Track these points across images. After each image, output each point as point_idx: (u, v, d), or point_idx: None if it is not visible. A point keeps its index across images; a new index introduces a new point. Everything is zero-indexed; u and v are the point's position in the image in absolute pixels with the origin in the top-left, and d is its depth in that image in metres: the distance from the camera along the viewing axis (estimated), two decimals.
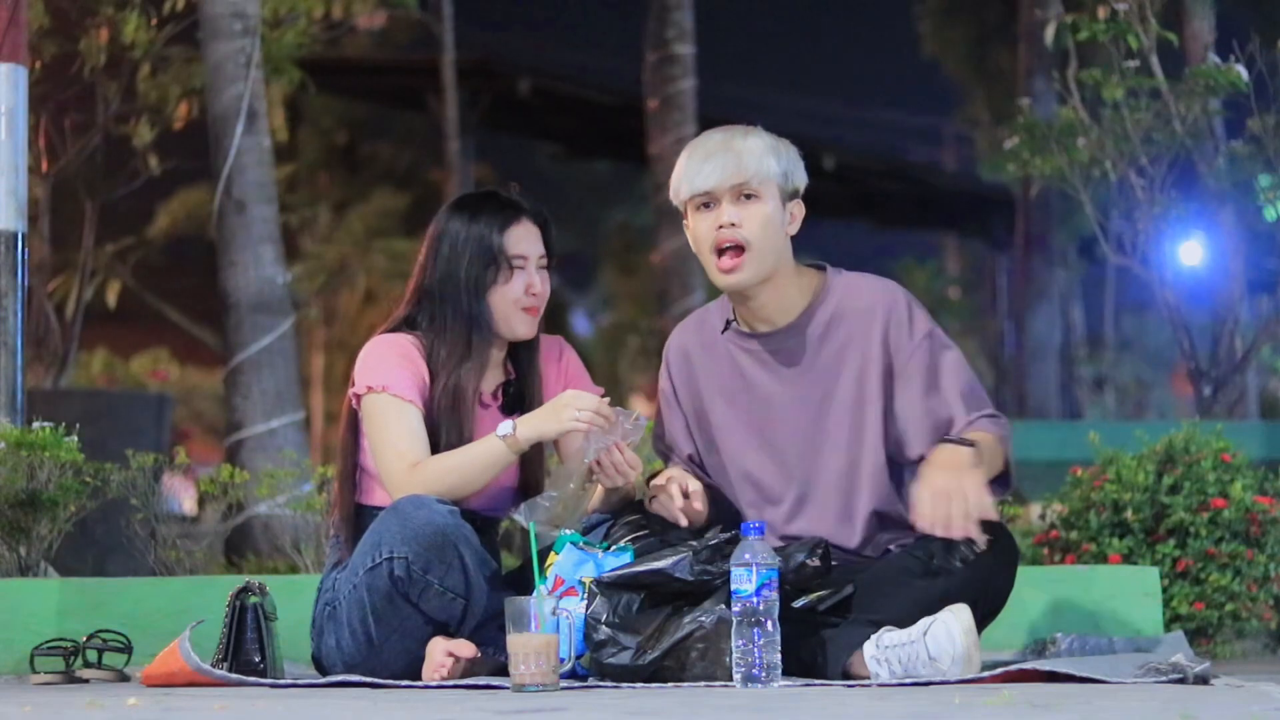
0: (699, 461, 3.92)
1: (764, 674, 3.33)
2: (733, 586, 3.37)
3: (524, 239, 3.89)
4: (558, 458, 3.99)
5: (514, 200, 3.91)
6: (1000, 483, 3.72)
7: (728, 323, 3.87)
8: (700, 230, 3.76)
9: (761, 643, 3.33)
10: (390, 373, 3.81)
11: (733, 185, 3.72)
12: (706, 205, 3.75)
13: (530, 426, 3.73)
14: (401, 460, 3.75)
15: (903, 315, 3.77)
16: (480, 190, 4.03)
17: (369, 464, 3.88)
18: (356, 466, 3.90)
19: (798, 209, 3.80)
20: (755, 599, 3.33)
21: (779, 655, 3.35)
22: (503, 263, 3.84)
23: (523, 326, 3.89)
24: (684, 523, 3.66)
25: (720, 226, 3.72)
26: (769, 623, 3.34)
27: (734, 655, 3.35)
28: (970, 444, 3.58)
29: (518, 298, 3.87)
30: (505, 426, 3.74)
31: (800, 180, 3.80)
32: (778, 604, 3.36)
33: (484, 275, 3.85)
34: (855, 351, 3.78)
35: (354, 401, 3.86)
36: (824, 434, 3.79)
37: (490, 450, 3.75)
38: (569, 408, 3.70)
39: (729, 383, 3.85)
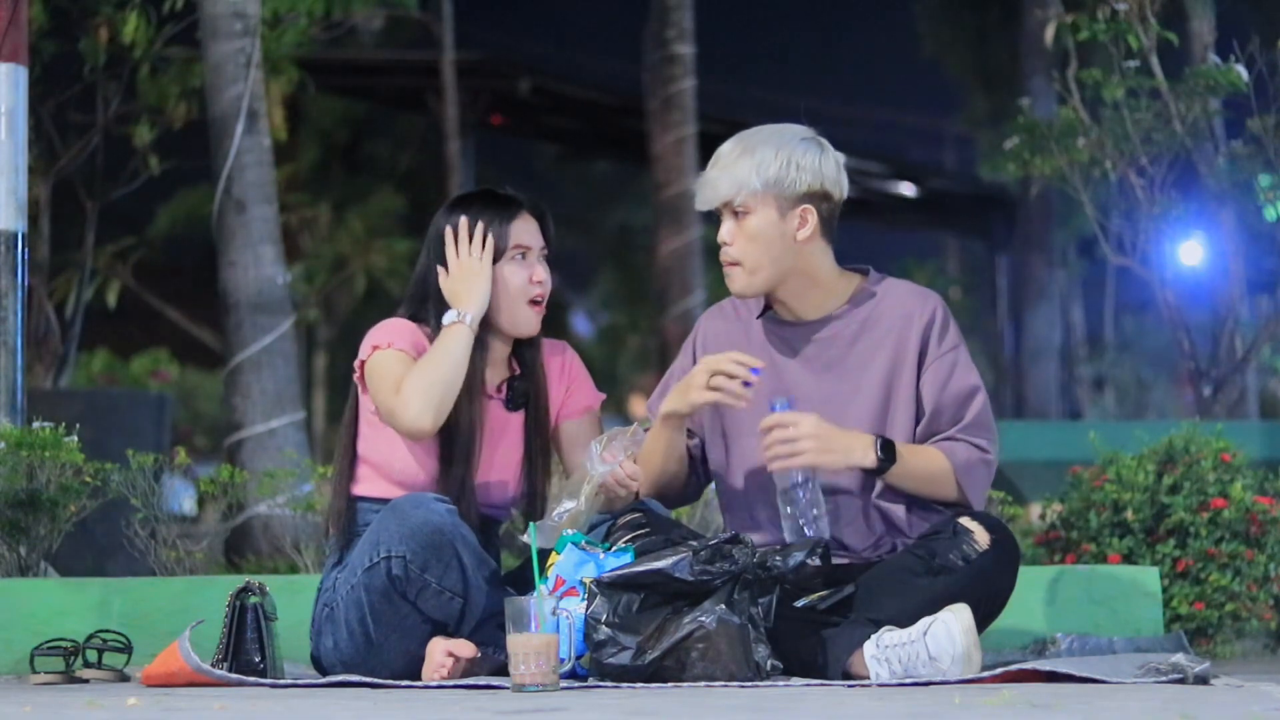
0: (701, 445, 3.92)
1: (814, 527, 3.64)
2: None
3: (525, 230, 3.92)
4: (564, 471, 4.00)
5: (511, 194, 3.95)
6: (944, 503, 3.78)
7: (766, 306, 3.88)
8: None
9: (805, 502, 3.65)
10: (397, 337, 3.85)
11: (719, 205, 3.80)
12: (721, 218, 3.83)
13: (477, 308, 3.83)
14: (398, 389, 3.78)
15: (939, 326, 3.81)
16: (476, 189, 4.05)
17: (366, 452, 3.88)
18: (355, 454, 3.91)
19: (809, 213, 3.77)
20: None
21: (824, 506, 3.65)
22: (505, 249, 3.87)
23: (527, 319, 3.92)
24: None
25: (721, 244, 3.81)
26: (812, 484, 3.64)
27: (784, 521, 3.66)
28: (892, 458, 3.70)
29: (523, 288, 3.89)
30: (450, 315, 3.81)
31: (807, 184, 3.75)
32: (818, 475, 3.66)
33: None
34: (887, 354, 3.80)
35: (359, 372, 3.86)
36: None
37: (450, 338, 3.78)
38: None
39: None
